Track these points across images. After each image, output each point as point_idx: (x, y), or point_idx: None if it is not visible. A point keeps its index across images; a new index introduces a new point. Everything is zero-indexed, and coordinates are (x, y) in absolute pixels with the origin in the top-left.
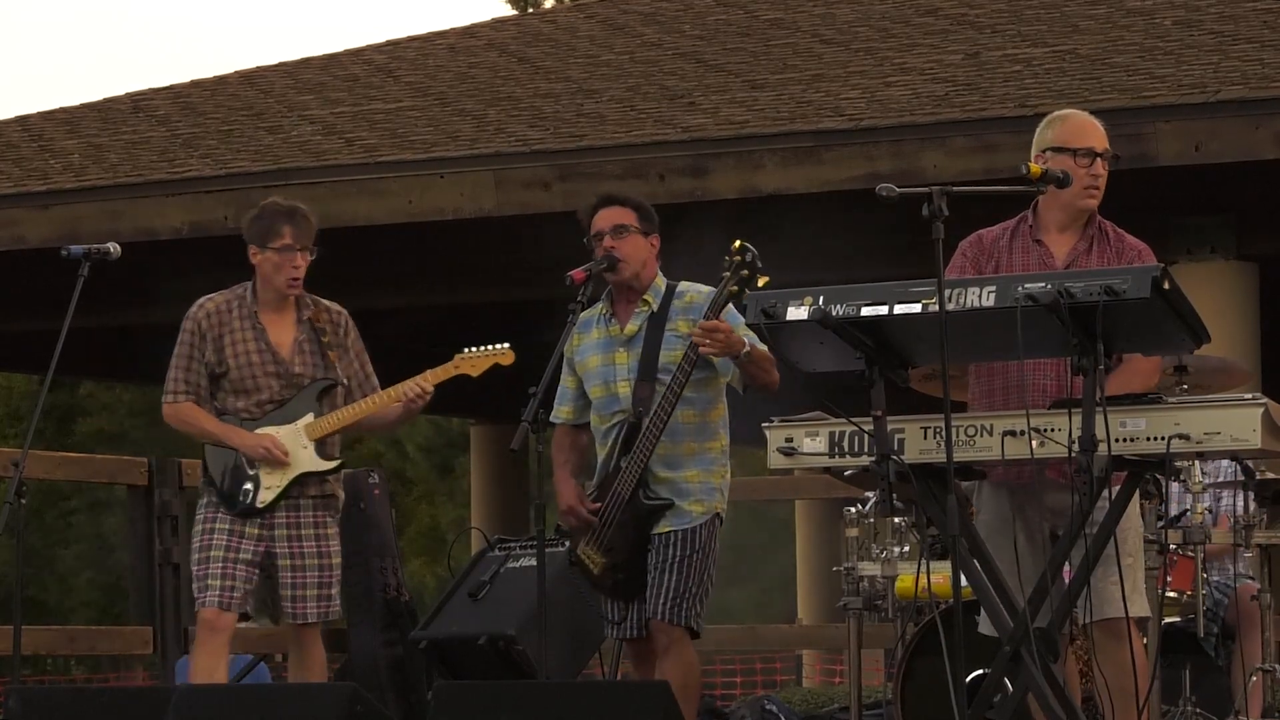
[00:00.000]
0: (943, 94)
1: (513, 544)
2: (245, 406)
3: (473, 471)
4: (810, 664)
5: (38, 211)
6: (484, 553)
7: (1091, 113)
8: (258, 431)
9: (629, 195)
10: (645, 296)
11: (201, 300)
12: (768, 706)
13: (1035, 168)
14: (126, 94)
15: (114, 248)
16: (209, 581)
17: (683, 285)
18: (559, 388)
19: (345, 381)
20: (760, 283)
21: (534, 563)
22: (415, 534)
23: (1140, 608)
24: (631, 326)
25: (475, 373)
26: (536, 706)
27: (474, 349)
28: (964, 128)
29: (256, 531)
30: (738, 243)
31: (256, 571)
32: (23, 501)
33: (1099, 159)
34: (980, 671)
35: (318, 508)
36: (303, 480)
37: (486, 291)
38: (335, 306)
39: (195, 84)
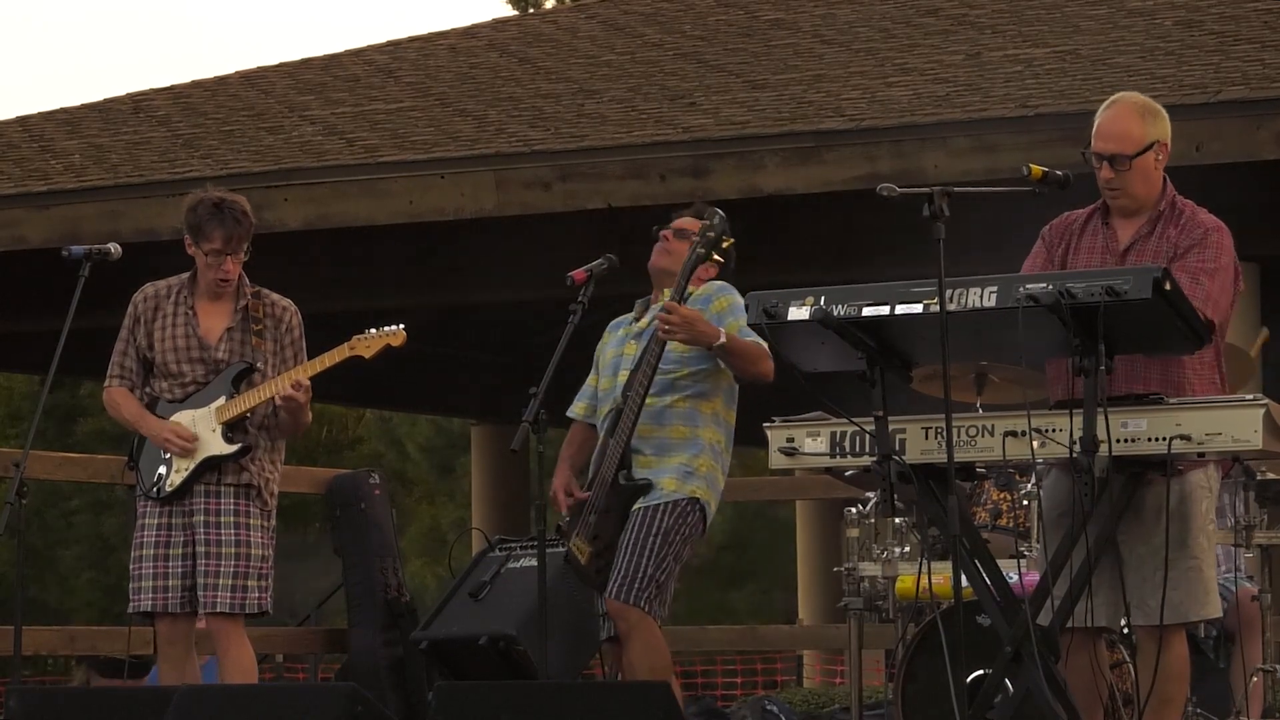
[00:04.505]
0: (944, 94)
1: (513, 544)
2: (169, 388)
3: (473, 472)
4: (811, 664)
5: (38, 212)
6: (484, 553)
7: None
8: (173, 417)
9: (718, 223)
10: (666, 290)
11: (144, 286)
12: (768, 707)
13: (1036, 168)
14: (127, 94)
15: (114, 248)
16: (142, 583)
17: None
18: (583, 384)
19: (262, 367)
20: (725, 244)
21: (534, 563)
22: (416, 534)
23: (1211, 609)
24: (644, 321)
25: (369, 354)
26: (536, 706)
27: (370, 330)
28: (965, 128)
29: (181, 521)
30: (707, 209)
31: (190, 562)
32: (23, 502)
33: (1105, 163)
34: (981, 672)
35: (239, 496)
36: (216, 466)
37: (486, 291)
38: (283, 302)
39: (196, 84)
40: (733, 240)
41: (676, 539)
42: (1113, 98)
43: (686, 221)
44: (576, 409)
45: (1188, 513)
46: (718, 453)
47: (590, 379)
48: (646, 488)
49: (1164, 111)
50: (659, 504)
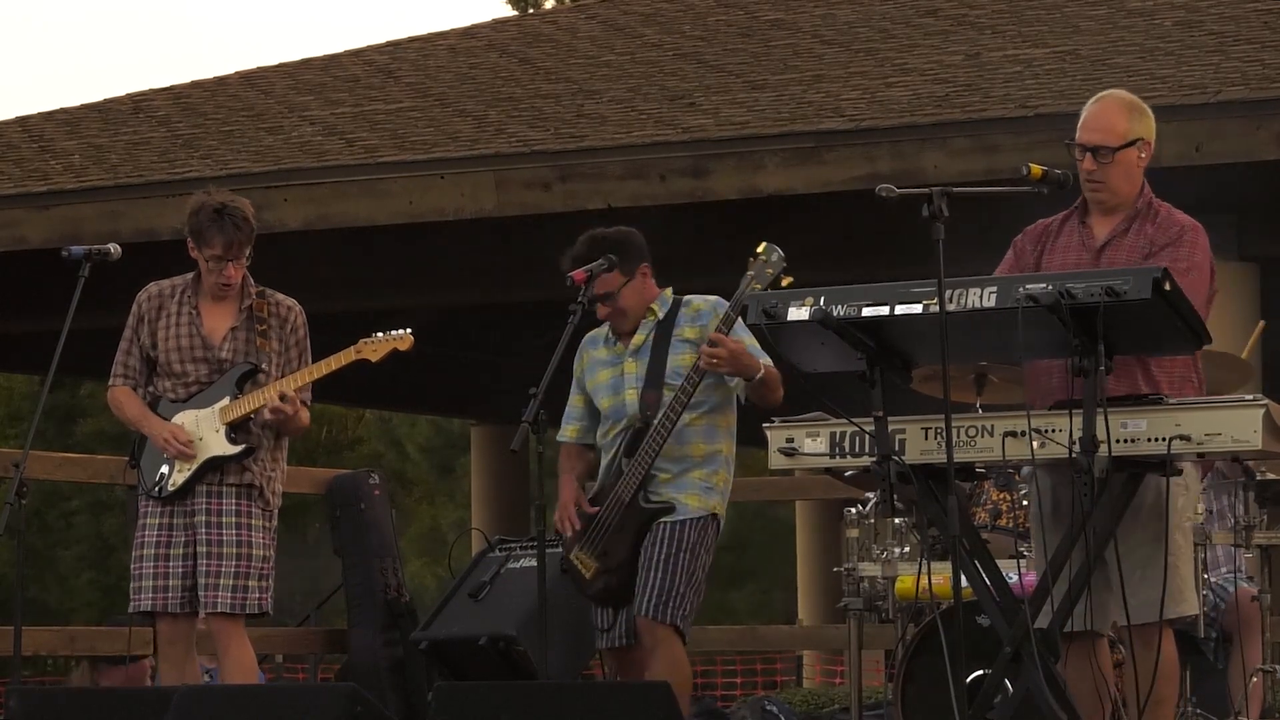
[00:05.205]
0: (943, 95)
1: (513, 545)
2: (172, 388)
3: (473, 472)
4: (810, 665)
5: (38, 212)
6: (484, 553)
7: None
8: (176, 417)
9: (597, 240)
10: (651, 306)
11: (148, 285)
12: (768, 707)
13: (1036, 168)
14: (127, 94)
15: (114, 248)
16: (142, 583)
17: (690, 297)
18: (567, 406)
19: (267, 368)
20: (784, 283)
21: (534, 563)
22: (416, 535)
23: (1188, 606)
24: (639, 337)
25: (375, 358)
26: (536, 707)
27: (377, 334)
28: (964, 128)
29: (182, 521)
30: (763, 245)
31: (191, 562)
32: (23, 502)
33: (1089, 154)
34: (980, 672)
35: (240, 496)
36: (219, 466)
37: (486, 292)
38: (287, 301)
39: (195, 84)
40: (791, 280)
41: (701, 552)
42: (1100, 93)
43: (599, 285)
44: (568, 432)
45: (1165, 510)
46: (730, 461)
47: (576, 399)
48: (667, 510)
49: (1150, 112)
50: (684, 520)
